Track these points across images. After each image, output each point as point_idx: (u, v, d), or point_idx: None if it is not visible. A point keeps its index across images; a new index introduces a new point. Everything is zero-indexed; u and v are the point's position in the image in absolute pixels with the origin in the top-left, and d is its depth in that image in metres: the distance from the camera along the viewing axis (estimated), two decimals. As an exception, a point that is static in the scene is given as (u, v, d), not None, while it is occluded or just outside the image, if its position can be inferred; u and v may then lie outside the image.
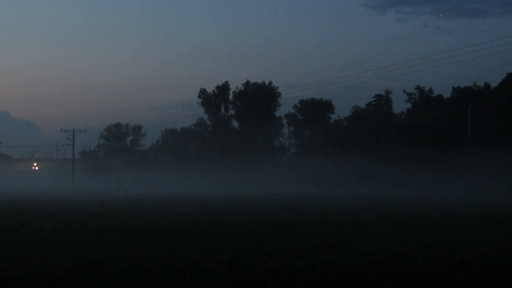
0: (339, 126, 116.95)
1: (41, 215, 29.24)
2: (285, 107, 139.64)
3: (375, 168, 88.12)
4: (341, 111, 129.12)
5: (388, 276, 11.16)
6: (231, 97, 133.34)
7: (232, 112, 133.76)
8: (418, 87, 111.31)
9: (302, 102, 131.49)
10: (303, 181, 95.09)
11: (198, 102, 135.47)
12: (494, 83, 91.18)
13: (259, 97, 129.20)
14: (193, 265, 12.25)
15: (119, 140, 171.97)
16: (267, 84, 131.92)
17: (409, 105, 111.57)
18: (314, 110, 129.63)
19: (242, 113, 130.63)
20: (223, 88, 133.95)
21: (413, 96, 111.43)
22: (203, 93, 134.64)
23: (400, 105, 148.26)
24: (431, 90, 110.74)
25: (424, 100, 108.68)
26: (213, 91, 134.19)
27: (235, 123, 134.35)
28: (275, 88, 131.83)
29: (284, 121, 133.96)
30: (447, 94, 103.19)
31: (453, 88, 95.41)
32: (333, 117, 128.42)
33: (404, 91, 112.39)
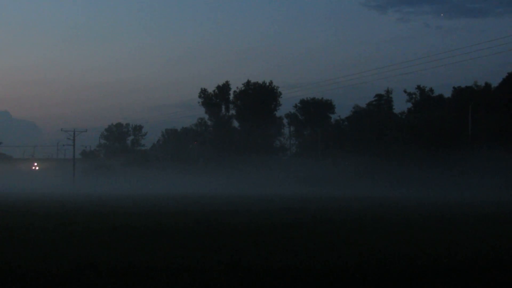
0: (340, 126, 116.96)
1: (41, 215, 29.25)
2: (286, 107, 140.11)
3: (375, 168, 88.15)
4: (342, 111, 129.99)
5: (388, 276, 11.16)
6: (231, 97, 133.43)
7: (232, 112, 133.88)
8: (418, 87, 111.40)
9: (302, 102, 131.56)
10: (303, 181, 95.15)
11: (198, 102, 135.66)
12: (495, 82, 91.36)
13: (259, 97, 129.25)
14: (193, 265, 12.26)
15: (120, 140, 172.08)
16: (267, 83, 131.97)
17: (409, 105, 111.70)
18: (315, 110, 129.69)
19: (242, 113, 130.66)
20: (224, 88, 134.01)
21: (414, 96, 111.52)
22: (203, 93, 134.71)
23: (400, 105, 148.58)
24: (431, 90, 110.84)
25: (424, 100, 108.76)
26: (214, 91, 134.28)
27: (235, 123, 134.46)
28: (275, 88, 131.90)
29: (285, 121, 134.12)
30: (447, 94, 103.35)
31: (453, 88, 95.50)
32: (333, 117, 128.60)
33: (405, 91, 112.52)
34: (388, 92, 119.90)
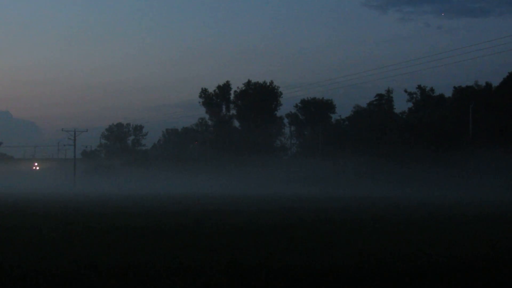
0: (340, 126, 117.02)
1: (41, 215, 29.26)
2: (286, 106, 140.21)
3: (376, 168, 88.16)
4: (342, 111, 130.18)
5: (388, 276, 11.16)
6: (232, 96, 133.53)
7: (233, 111, 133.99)
8: (419, 87, 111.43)
9: (303, 101, 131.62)
10: (304, 181, 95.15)
11: (199, 102, 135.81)
12: (496, 82, 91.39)
13: (260, 97, 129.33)
14: (193, 265, 12.26)
15: (121, 140, 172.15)
16: (268, 83, 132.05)
17: (410, 104, 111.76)
18: (315, 109, 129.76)
19: (243, 112, 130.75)
20: (224, 88, 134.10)
21: (415, 95, 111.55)
22: (204, 93, 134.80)
23: (401, 105, 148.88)
24: (432, 90, 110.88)
25: (425, 99, 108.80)
26: (214, 90, 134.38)
27: (236, 123, 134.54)
28: (276, 87, 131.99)
29: (285, 120, 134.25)
30: (448, 93, 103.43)
31: (454, 87, 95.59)
32: (334, 116, 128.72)
33: (406, 91, 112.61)
34: (389, 92, 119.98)
